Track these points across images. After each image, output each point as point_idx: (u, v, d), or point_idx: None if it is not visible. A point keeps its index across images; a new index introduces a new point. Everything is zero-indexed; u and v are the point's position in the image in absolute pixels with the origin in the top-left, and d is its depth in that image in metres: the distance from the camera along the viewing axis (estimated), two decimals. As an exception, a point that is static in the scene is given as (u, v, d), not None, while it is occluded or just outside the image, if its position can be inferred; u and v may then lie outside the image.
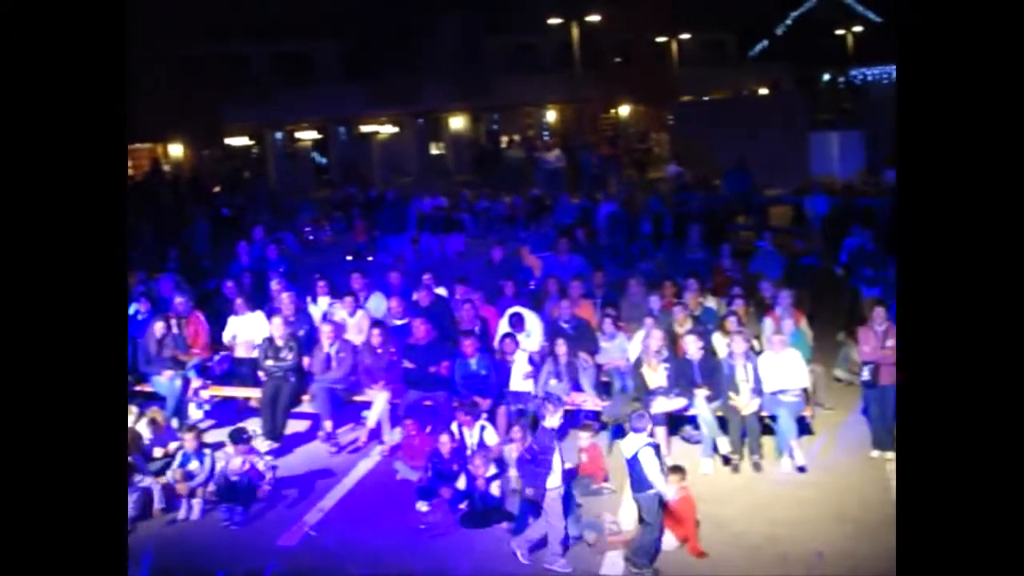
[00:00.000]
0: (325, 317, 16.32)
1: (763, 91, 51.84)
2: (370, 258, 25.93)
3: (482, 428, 13.25)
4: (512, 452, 13.03)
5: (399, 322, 15.80)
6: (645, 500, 10.95)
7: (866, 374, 13.43)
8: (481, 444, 13.04)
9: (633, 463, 10.92)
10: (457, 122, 50.94)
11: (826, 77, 52.45)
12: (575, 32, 43.31)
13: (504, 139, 51.79)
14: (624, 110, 55.77)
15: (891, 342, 13.29)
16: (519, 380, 14.49)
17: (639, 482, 10.91)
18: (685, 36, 54.65)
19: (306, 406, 15.38)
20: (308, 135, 45.19)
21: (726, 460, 13.47)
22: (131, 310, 16.18)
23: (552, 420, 11.06)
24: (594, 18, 44.29)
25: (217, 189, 37.49)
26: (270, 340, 15.10)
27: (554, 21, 45.28)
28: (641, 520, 11.18)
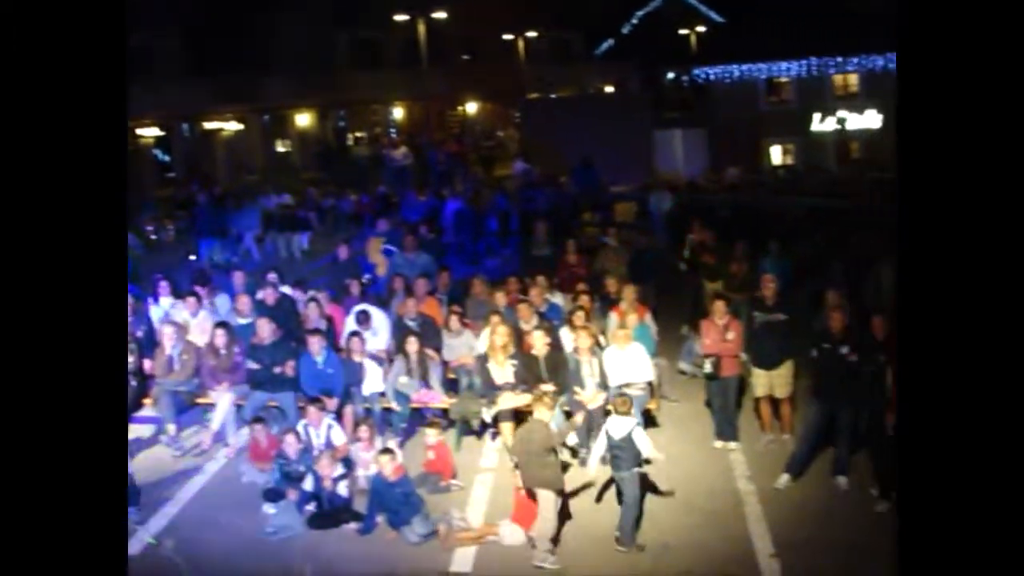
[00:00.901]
0: (167, 317, 15.95)
1: (609, 89, 52.51)
2: (215, 258, 25.38)
3: (329, 427, 13.12)
4: (360, 452, 12.95)
5: (244, 321, 15.54)
6: (630, 479, 11.36)
7: (708, 367, 13.69)
8: (328, 444, 12.91)
9: (627, 443, 11.27)
10: (303, 119, 50.37)
11: (670, 76, 53.27)
12: (422, 28, 43.24)
13: (351, 136, 51.43)
14: (471, 107, 55.93)
15: (732, 335, 13.58)
16: (367, 379, 14.39)
17: (628, 461, 11.31)
18: (532, 34, 55.00)
19: (148, 410, 15.02)
20: (150, 132, 44.15)
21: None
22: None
23: None
24: (441, 15, 44.29)
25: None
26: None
27: (400, 17, 45.13)
28: (621, 501, 11.52)
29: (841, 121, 43.26)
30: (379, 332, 15.48)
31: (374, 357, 14.69)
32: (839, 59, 43.06)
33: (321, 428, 13.04)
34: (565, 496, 11.77)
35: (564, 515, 11.65)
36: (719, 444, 13.81)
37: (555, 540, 11.21)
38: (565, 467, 12.52)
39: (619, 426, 11.45)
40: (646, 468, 11.75)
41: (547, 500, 11.14)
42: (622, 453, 11.36)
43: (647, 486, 11.93)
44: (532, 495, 11.32)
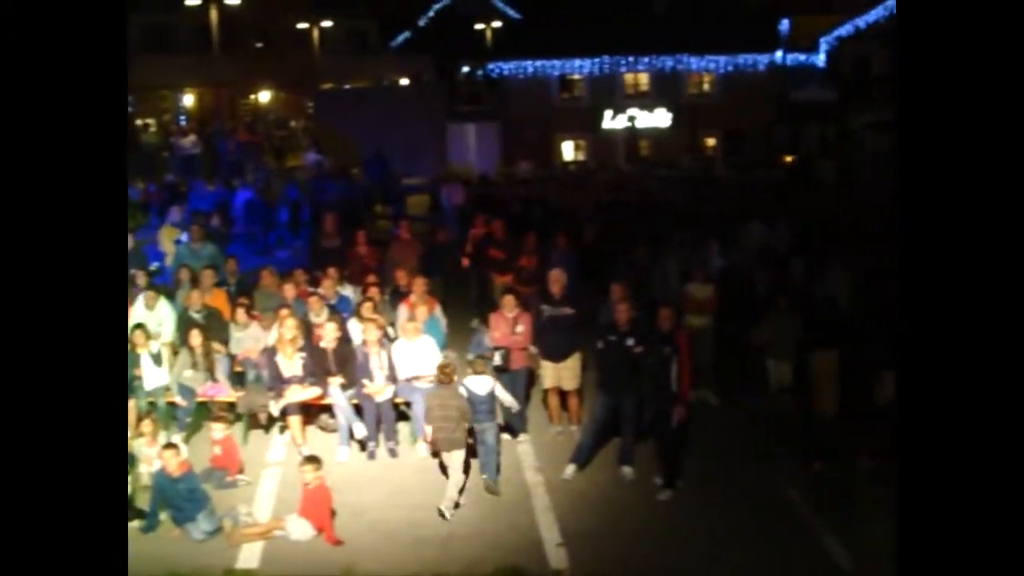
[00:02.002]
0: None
1: (404, 81, 52.30)
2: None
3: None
4: (143, 447, 12.60)
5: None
6: (491, 429, 12.44)
7: (498, 359, 13.79)
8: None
9: (488, 398, 12.37)
10: (87, 103, 48.69)
11: (465, 70, 53.45)
12: (214, 14, 42.29)
13: (138, 123, 49.90)
14: (264, 96, 54.99)
15: (521, 327, 13.71)
16: (149, 372, 14.00)
17: (487, 414, 12.43)
18: (327, 23, 54.40)
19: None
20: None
21: (362, 447, 13.52)
22: None
23: None
24: (234, 1, 43.38)
25: None
26: None
27: (192, 2, 44.02)
28: (475, 454, 12.60)
29: (631, 119, 44.19)
30: (164, 324, 15.07)
31: (158, 350, 14.30)
32: (630, 58, 43.95)
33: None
34: (469, 454, 12.49)
35: (467, 471, 12.39)
36: (507, 437, 13.94)
37: (461, 491, 12.09)
38: (367, 451, 13.36)
39: (479, 384, 12.34)
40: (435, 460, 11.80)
41: (458, 459, 12.07)
42: (483, 407, 12.32)
43: (501, 431, 13.08)
44: (321, 491, 11.31)
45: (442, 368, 12.44)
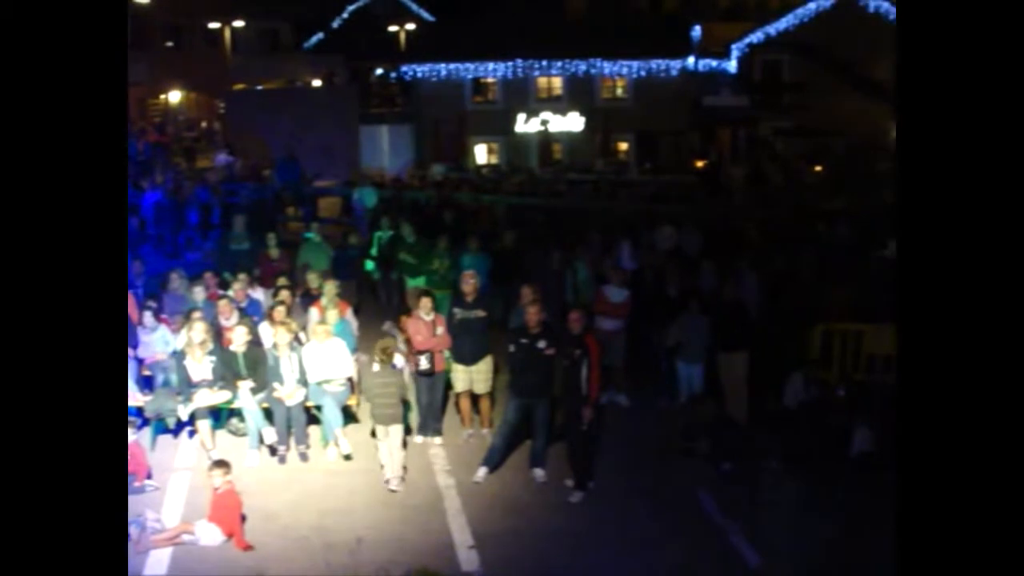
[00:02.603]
0: None
1: (316, 83, 51.94)
2: None
3: None
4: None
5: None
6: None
7: (424, 363, 13.71)
8: None
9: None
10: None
11: (379, 72, 53.19)
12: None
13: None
14: (174, 96, 54.18)
15: (441, 329, 13.69)
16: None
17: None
18: (239, 23, 53.80)
19: None
20: None
21: (272, 451, 13.40)
22: None
23: None
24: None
25: None
26: None
27: (99, 0, 43.44)
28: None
29: (544, 123, 44.36)
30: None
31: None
32: (544, 62, 44.11)
33: None
34: (406, 431, 13.15)
35: (404, 446, 12.96)
36: (421, 439, 13.91)
37: (404, 468, 12.75)
38: (277, 455, 13.35)
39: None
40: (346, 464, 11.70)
41: (397, 433, 12.67)
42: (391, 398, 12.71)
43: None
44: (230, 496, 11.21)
45: (383, 349, 12.74)
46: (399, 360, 13.25)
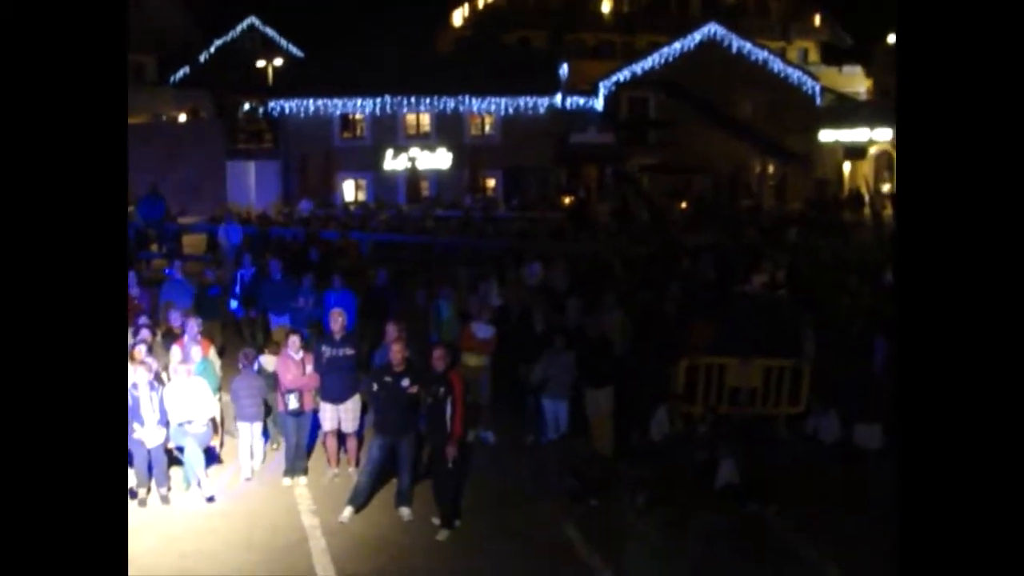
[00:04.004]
0: None
1: (183, 118, 51.29)
2: None
3: None
4: None
5: None
6: None
7: (294, 402, 13.55)
8: None
9: None
10: None
11: (246, 107, 52.77)
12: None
13: None
14: (33, 130, 53.01)
15: (310, 368, 13.55)
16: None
17: None
18: (101, 57, 52.93)
19: None
20: None
21: (132, 495, 13.07)
22: None
23: None
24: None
25: None
26: None
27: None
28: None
29: (412, 159, 44.44)
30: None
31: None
32: (412, 99, 44.25)
33: None
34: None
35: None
36: (287, 481, 13.71)
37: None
38: (137, 498, 12.19)
39: None
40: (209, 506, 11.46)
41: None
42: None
43: None
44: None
45: (246, 355, 13.98)
46: (263, 360, 14.24)
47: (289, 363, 13.64)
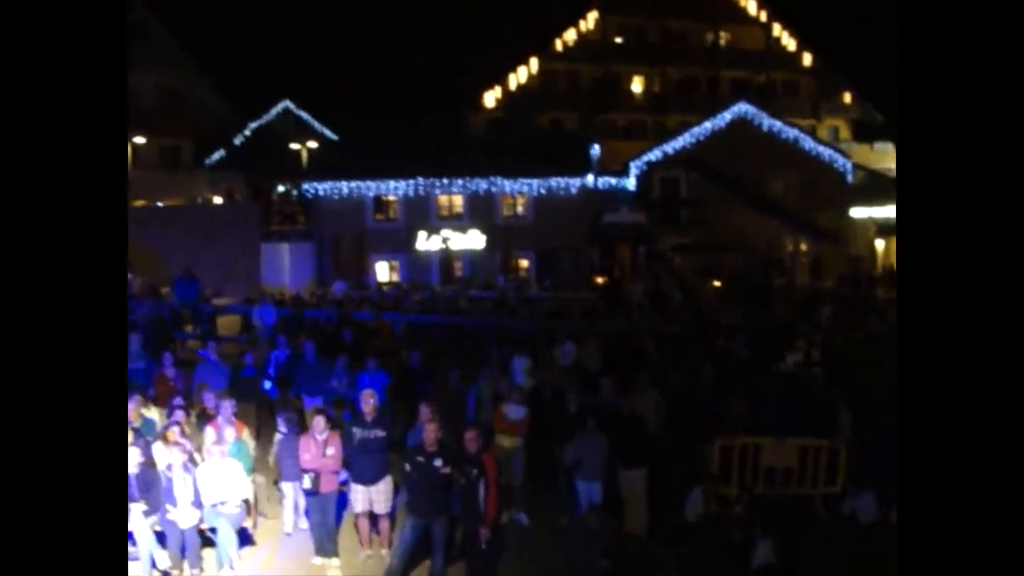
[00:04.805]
0: None
1: (218, 200, 51.81)
2: None
3: None
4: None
5: None
6: None
7: (308, 483, 13.56)
8: None
9: None
10: None
11: (280, 189, 53.26)
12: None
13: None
14: (71, 213, 53.66)
15: (332, 450, 13.54)
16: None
17: None
18: (140, 139, 53.67)
19: None
20: None
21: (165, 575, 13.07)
22: None
23: None
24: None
25: None
26: None
27: None
28: None
29: (445, 240, 44.66)
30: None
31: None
32: (445, 180, 44.57)
33: None
34: None
35: None
36: (319, 561, 13.65)
37: None
38: None
39: None
40: None
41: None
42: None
43: None
44: None
45: (288, 417, 14.71)
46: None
47: (309, 443, 13.66)
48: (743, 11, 65.87)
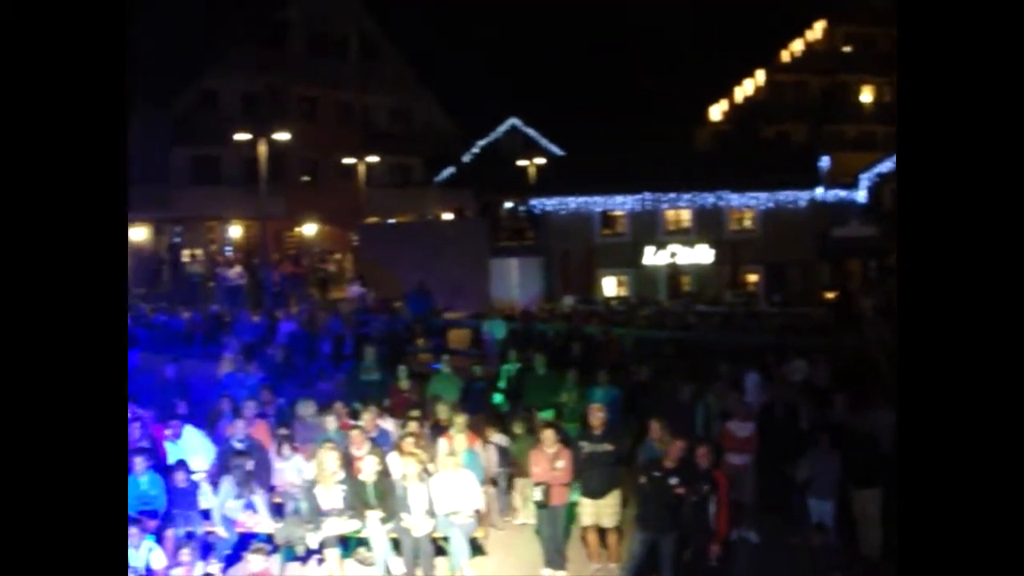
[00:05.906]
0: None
1: (447, 216, 52.97)
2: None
3: (149, 550, 12.68)
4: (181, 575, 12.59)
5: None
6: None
7: (538, 495, 13.72)
8: (148, 569, 12.48)
9: None
10: (137, 233, 49.44)
11: (508, 205, 54.08)
12: (262, 148, 43.20)
13: (186, 253, 50.66)
14: (309, 229, 55.70)
15: (562, 463, 13.66)
16: (191, 501, 14.03)
17: None
18: (373, 159, 55.43)
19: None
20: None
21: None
22: None
23: None
24: (283, 136, 44.35)
25: None
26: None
27: (241, 136, 45.07)
28: None
29: (673, 255, 44.45)
30: (201, 454, 15.12)
31: (209, 480, 14.38)
32: (672, 195, 44.38)
33: (141, 550, 12.59)
34: None
35: None
36: (547, 572, 13.80)
37: None
38: None
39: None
40: None
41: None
42: None
43: None
44: None
45: None
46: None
47: (540, 456, 13.80)
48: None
